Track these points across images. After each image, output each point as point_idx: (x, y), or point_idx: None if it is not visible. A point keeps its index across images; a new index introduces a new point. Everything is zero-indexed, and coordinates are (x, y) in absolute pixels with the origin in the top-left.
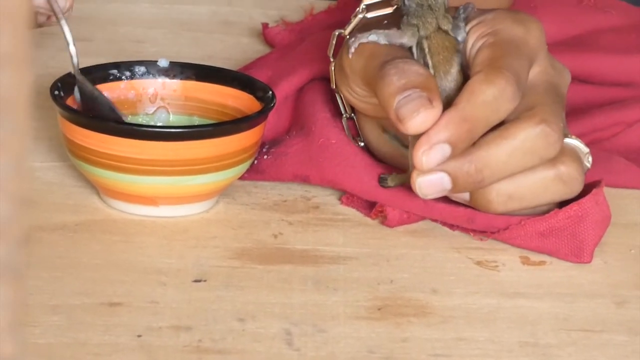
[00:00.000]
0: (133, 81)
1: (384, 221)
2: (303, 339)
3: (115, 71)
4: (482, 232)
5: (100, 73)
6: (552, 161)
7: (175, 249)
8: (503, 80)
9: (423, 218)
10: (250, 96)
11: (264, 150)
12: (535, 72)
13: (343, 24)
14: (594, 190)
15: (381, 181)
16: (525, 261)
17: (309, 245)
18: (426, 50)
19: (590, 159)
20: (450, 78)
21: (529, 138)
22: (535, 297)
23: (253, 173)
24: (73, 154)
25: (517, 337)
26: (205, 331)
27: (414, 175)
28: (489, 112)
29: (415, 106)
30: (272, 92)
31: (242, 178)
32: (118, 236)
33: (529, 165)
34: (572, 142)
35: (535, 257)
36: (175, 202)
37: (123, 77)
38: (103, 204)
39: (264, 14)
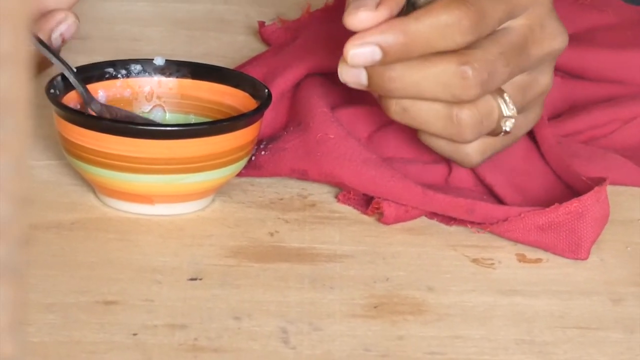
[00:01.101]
0: (129, 79)
1: (381, 218)
2: (299, 337)
3: (111, 69)
4: (480, 224)
5: (96, 71)
6: (458, 102)
7: (171, 247)
8: (462, 12)
9: (419, 215)
10: (246, 94)
11: (262, 146)
12: (518, 24)
13: (340, 22)
14: (596, 188)
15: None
16: (522, 259)
17: (305, 243)
18: None
19: (509, 123)
20: None
21: (446, 72)
22: (531, 295)
23: (251, 169)
24: (69, 153)
25: (513, 335)
26: (200, 329)
27: (340, 62)
28: (434, 36)
29: (360, 6)
30: (268, 90)
31: (239, 175)
32: (113, 234)
33: (439, 96)
34: (499, 101)
35: (531, 254)
36: (171, 200)
37: (119, 76)
38: (99, 202)
39: (261, 12)
